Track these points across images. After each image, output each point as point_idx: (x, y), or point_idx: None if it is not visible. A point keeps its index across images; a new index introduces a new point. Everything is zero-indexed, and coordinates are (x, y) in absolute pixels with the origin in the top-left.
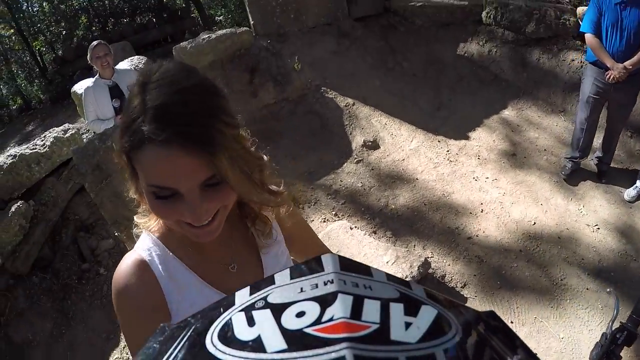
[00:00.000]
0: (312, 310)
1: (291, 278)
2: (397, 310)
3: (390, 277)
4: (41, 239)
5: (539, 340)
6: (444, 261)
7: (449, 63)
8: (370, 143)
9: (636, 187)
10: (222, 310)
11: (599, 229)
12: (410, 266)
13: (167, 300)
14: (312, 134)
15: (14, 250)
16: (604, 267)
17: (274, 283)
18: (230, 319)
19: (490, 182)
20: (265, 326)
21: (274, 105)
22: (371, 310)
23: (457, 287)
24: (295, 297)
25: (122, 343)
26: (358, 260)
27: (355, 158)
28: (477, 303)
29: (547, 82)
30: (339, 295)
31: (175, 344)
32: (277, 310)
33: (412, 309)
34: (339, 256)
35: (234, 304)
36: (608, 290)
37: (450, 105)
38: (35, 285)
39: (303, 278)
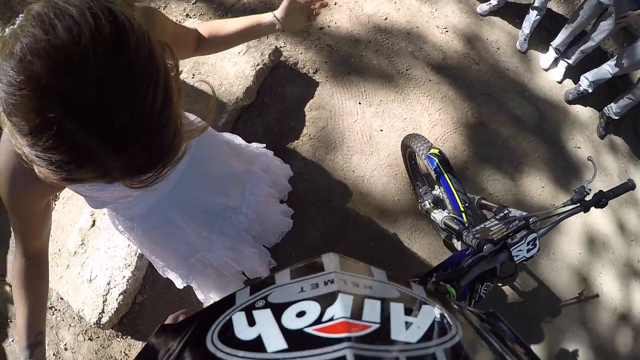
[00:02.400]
0: (313, 309)
1: (291, 278)
2: (397, 310)
3: (391, 277)
4: None
5: (384, 119)
6: (297, 50)
7: None
8: None
9: (490, 3)
10: (222, 309)
11: (447, 31)
12: (262, 54)
13: None
14: None
15: None
16: (448, 65)
17: (274, 283)
18: (231, 318)
19: None
20: (266, 326)
21: None
22: (371, 310)
23: (309, 72)
24: (295, 296)
25: None
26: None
27: None
28: (327, 86)
29: None
30: (339, 295)
31: (176, 343)
32: (278, 309)
33: (412, 308)
34: (340, 256)
35: (234, 304)
36: (588, 157)
37: None
38: None
39: (303, 278)
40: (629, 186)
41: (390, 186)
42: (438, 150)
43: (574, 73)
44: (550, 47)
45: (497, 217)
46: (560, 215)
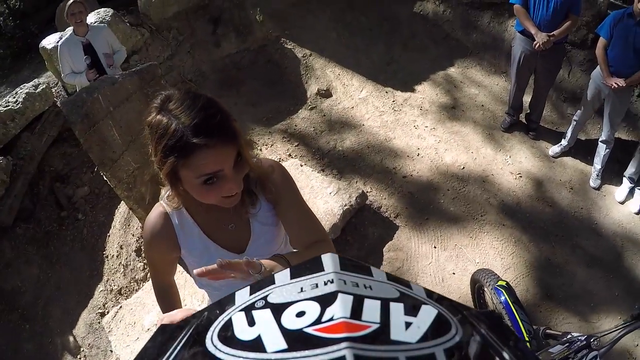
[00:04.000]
0: (312, 310)
1: (291, 278)
2: (397, 310)
3: (391, 277)
4: (22, 192)
5: (457, 263)
6: (381, 195)
7: (404, 20)
8: (323, 91)
9: (561, 144)
10: (222, 310)
11: (521, 177)
12: (349, 196)
13: (178, 241)
14: (271, 83)
15: None
16: (521, 209)
17: (274, 283)
18: (231, 318)
19: (428, 131)
20: (266, 326)
21: (235, 55)
22: (371, 310)
23: (390, 216)
24: (295, 296)
25: (105, 277)
26: (305, 191)
27: (309, 105)
28: (406, 230)
29: (494, 45)
30: (339, 295)
31: (175, 343)
32: (277, 310)
33: (412, 308)
34: (340, 256)
35: (234, 304)
36: (637, 306)
37: (400, 60)
38: (19, 236)
39: (303, 278)
40: None
41: None
42: (505, 283)
43: None
44: (623, 177)
45: (560, 341)
46: (620, 331)
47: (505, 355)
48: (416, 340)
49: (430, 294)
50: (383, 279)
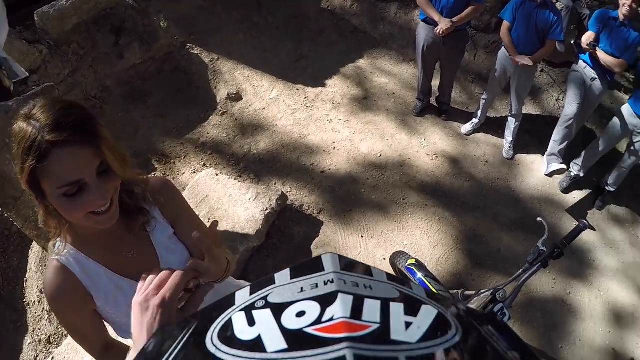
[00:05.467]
0: (313, 310)
1: (291, 278)
2: (397, 310)
3: (391, 277)
4: None
5: (386, 248)
6: (301, 193)
7: (312, 16)
8: (233, 95)
9: (472, 122)
10: (222, 310)
11: (437, 157)
12: (270, 200)
13: (89, 291)
14: (179, 91)
15: None
16: (441, 188)
17: (274, 283)
18: (231, 318)
19: (342, 123)
20: (266, 326)
21: (140, 66)
22: (371, 310)
23: (313, 213)
24: (295, 296)
25: (31, 327)
26: (224, 200)
27: (220, 110)
28: (331, 224)
29: (402, 35)
30: (339, 295)
31: (175, 343)
32: (277, 309)
33: (412, 308)
34: (340, 256)
35: (234, 304)
36: (538, 219)
37: (310, 56)
38: None
39: (303, 278)
40: (580, 228)
41: None
42: (415, 260)
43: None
44: (546, 157)
45: (472, 300)
46: (522, 278)
47: (505, 354)
48: (416, 340)
49: (430, 294)
50: (383, 279)
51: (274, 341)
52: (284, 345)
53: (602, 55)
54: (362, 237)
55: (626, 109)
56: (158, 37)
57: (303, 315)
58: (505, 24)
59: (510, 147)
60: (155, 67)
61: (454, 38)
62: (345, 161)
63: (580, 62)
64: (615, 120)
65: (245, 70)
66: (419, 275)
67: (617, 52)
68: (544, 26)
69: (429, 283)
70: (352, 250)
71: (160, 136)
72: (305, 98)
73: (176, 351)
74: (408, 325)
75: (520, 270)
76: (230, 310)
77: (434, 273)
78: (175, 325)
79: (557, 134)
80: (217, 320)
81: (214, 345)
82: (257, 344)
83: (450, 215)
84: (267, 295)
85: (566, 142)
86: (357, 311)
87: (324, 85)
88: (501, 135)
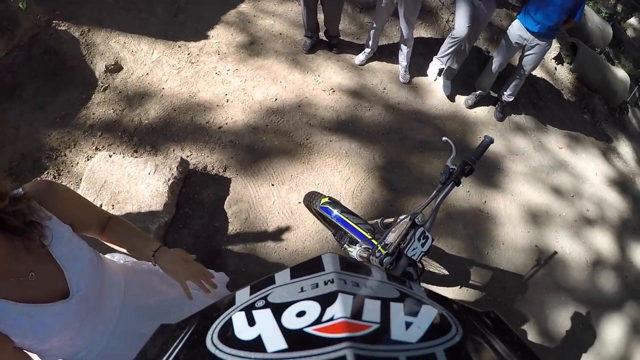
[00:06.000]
0: (313, 309)
1: (291, 277)
2: (397, 309)
3: (391, 277)
4: None
5: (299, 191)
6: (203, 154)
7: None
8: (112, 67)
9: (365, 52)
10: (222, 309)
11: (334, 91)
12: (170, 169)
13: (1, 331)
14: (54, 75)
15: None
16: (343, 120)
17: (274, 282)
18: (231, 318)
19: (232, 73)
20: (266, 326)
21: (6, 58)
22: (371, 310)
23: (219, 172)
24: (295, 296)
25: None
26: (123, 182)
27: (102, 86)
28: (239, 179)
29: None
30: (339, 294)
31: (176, 343)
32: (278, 309)
33: (412, 308)
34: (340, 256)
35: (234, 304)
36: (444, 138)
37: (187, 9)
38: None
39: (303, 277)
40: (487, 142)
41: (325, 249)
42: (328, 198)
43: (459, 83)
44: (434, 59)
45: (392, 228)
46: (437, 198)
47: (504, 354)
48: (416, 340)
49: (430, 294)
50: (383, 278)
51: (274, 341)
52: (284, 345)
53: None
54: (272, 185)
55: (516, 24)
56: (19, 21)
57: (303, 315)
58: None
59: (405, 71)
60: (23, 55)
61: None
62: (241, 112)
63: None
64: (507, 36)
65: (120, 37)
66: (335, 212)
67: None
68: None
69: (347, 218)
70: (266, 201)
71: (44, 130)
72: (189, 54)
73: (176, 351)
74: (408, 325)
75: (435, 191)
76: (230, 310)
77: (350, 206)
78: (175, 325)
79: (443, 47)
80: (217, 320)
81: (214, 345)
82: (257, 344)
83: (356, 147)
84: (267, 295)
85: (459, 61)
86: (357, 311)
87: (206, 37)
88: (395, 61)
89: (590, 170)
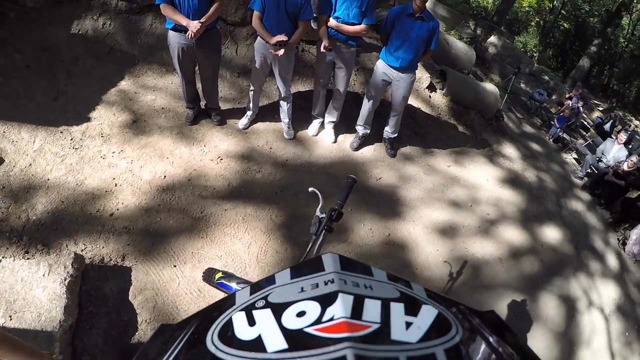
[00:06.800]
0: (313, 309)
1: (291, 277)
2: (397, 310)
3: (391, 277)
4: None
5: (202, 267)
6: (97, 246)
7: (64, 45)
8: None
9: (247, 115)
10: (222, 309)
11: (222, 159)
12: (65, 267)
13: None
14: None
15: None
16: (235, 187)
17: (274, 282)
18: (231, 318)
19: (117, 155)
20: (266, 326)
21: None
22: (372, 310)
23: (117, 263)
24: (295, 296)
25: None
26: (17, 288)
27: None
28: (140, 266)
29: (161, 45)
30: (340, 294)
31: (176, 343)
32: (278, 309)
33: (412, 308)
34: (340, 256)
35: (234, 304)
36: (310, 189)
37: (67, 91)
38: None
39: (303, 278)
40: (349, 183)
41: None
42: (221, 272)
43: (343, 128)
44: (312, 117)
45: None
46: (312, 251)
47: (505, 354)
48: (417, 340)
49: (430, 294)
50: (383, 278)
51: (274, 341)
52: (284, 345)
53: (344, 26)
54: (175, 266)
55: (380, 64)
56: None
57: (303, 315)
58: (256, 13)
59: (289, 127)
60: None
61: (206, 38)
62: (131, 195)
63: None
64: (374, 75)
65: None
66: (233, 285)
67: (356, 20)
68: (294, 9)
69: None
70: (171, 284)
71: None
72: (72, 139)
73: (176, 351)
74: (408, 325)
75: (310, 244)
76: (230, 310)
77: (257, 271)
78: (175, 325)
79: (314, 98)
80: (218, 320)
81: (214, 345)
82: (257, 344)
83: (252, 211)
84: (267, 295)
85: (337, 109)
86: (357, 311)
87: (88, 119)
88: (278, 119)
89: (481, 177)
